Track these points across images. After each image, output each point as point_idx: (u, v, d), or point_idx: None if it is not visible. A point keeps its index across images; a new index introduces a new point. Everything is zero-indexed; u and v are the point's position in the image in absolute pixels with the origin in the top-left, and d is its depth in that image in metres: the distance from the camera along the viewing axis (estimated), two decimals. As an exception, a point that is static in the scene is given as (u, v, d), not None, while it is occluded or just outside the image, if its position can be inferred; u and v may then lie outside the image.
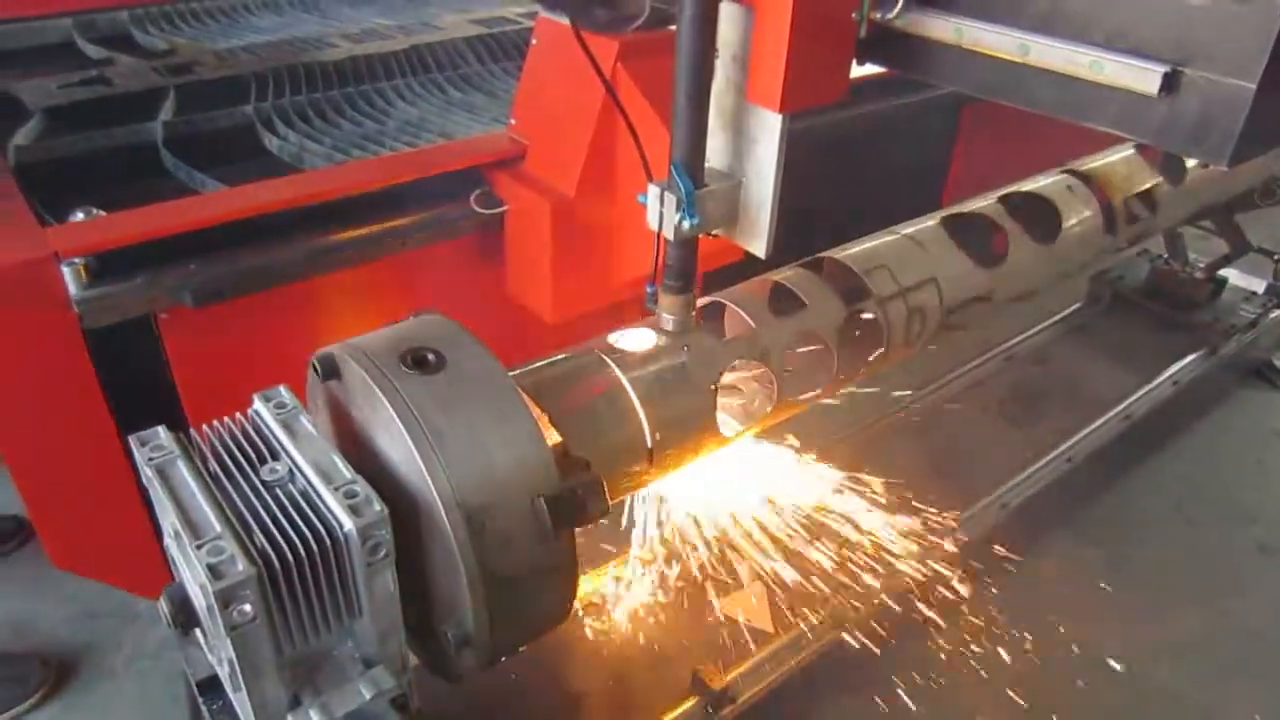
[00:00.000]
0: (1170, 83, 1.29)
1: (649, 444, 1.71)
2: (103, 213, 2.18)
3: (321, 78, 3.17)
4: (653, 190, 1.65)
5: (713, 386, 1.79)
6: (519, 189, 2.47)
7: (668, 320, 1.78)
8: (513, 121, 2.58)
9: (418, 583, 1.45)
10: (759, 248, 1.75)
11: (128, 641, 2.77)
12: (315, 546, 1.27)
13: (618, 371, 1.71)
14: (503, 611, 1.43)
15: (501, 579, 1.40)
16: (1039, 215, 2.42)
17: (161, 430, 1.42)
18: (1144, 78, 1.30)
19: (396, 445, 1.38)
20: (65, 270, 1.96)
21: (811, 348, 1.99)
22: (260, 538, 1.26)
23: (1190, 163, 2.80)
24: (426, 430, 1.35)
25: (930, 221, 2.28)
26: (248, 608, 1.22)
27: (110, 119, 2.84)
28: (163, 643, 2.74)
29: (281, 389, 1.52)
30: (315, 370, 1.48)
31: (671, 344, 1.78)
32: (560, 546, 1.47)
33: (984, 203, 2.40)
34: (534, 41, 2.48)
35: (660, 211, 1.65)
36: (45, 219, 2.17)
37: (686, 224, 1.62)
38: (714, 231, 1.73)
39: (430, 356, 1.45)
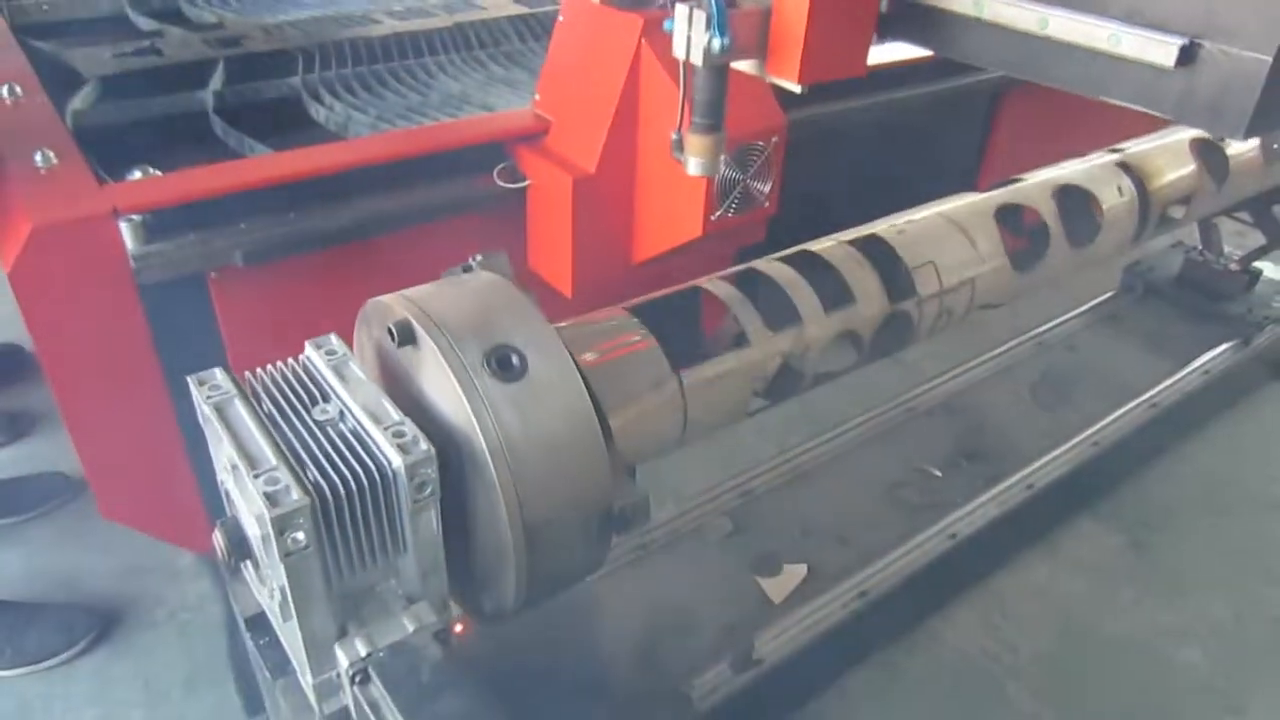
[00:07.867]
0: (1187, 55, 1.29)
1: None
2: (159, 172, 2.25)
3: (366, 53, 3.24)
4: (680, 10, 1.53)
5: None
6: (541, 164, 2.48)
7: (694, 164, 1.69)
8: (537, 97, 2.60)
9: (458, 528, 1.51)
10: (791, 76, 1.61)
11: (171, 595, 2.86)
12: (365, 481, 1.33)
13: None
14: (540, 556, 1.49)
15: (540, 523, 1.45)
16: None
17: (219, 371, 1.48)
18: (1162, 51, 1.31)
19: (444, 391, 1.43)
20: (123, 226, 2.02)
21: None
22: (313, 471, 1.32)
23: (1229, 152, 2.80)
24: (474, 378, 1.41)
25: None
26: (301, 536, 1.27)
27: (161, 88, 2.92)
28: (204, 596, 2.83)
29: (332, 336, 1.58)
30: (391, 336, 1.46)
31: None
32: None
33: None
34: (560, 18, 2.50)
35: (688, 34, 1.54)
36: (102, 178, 2.24)
37: (717, 43, 1.51)
38: (744, 63, 1.62)
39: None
